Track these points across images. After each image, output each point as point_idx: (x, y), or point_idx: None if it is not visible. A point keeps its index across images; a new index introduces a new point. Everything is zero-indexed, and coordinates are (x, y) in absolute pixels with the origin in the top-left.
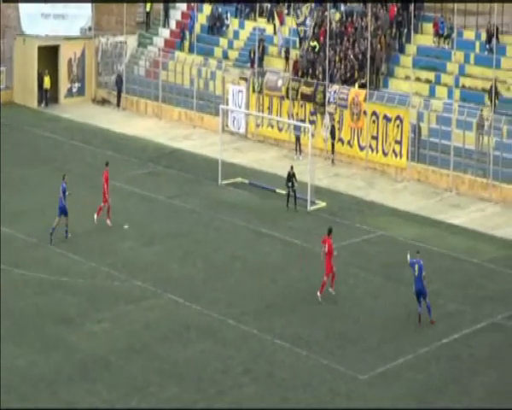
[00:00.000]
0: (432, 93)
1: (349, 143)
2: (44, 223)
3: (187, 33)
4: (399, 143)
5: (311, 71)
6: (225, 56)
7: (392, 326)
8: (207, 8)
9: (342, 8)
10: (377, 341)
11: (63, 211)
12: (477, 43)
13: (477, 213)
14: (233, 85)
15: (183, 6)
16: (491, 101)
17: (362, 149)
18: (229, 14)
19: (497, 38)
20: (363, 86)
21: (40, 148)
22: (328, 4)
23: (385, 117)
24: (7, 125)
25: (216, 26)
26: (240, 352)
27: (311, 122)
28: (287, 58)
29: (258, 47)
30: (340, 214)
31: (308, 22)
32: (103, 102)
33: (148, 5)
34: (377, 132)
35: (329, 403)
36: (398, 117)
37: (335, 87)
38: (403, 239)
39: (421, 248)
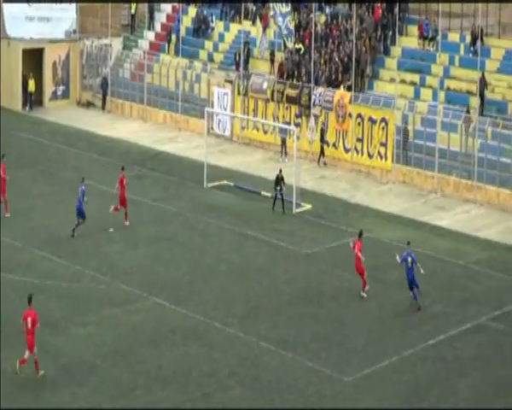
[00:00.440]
0: (417, 95)
1: (334, 145)
2: (29, 226)
3: (173, 36)
4: (384, 145)
5: (296, 73)
6: (210, 59)
7: (377, 328)
8: (192, 11)
9: (327, 10)
10: (363, 343)
11: (80, 213)
12: (462, 46)
13: (462, 214)
14: (218, 88)
15: (168, 8)
16: (482, 102)
17: (347, 151)
18: (214, 17)
19: (482, 40)
20: (348, 88)
21: (25, 151)
22: (314, 6)
23: (370, 119)
24: None
25: (201, 29)
26: (225, 355)
27: (297, 125)
28: (272, 60)
29: (244, 49)
30: (326, 217)
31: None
32: (88, 104)
33: (133, 8)
34: (362, 134)
35: (315, 405)
36: (383, 119)
37: (321, 89)
38: (388, 241)
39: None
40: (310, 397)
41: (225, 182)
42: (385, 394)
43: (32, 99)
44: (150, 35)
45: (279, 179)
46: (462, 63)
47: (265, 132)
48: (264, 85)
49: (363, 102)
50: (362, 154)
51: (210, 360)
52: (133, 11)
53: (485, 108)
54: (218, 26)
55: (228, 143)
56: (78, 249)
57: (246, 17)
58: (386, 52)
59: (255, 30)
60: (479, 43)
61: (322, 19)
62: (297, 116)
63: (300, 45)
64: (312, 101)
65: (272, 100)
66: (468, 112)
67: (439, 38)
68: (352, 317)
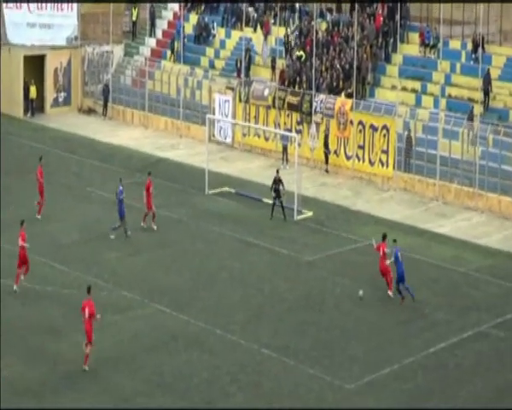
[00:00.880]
0: (418, 103)
1: (335, 152)
2: (29, 233)
3: (176, 42)
4: (386, 152)
5: (297, 80)
6: (212, 66)
7: (378, 336)
8: (194, 18)
9: (328, 17)
10: (364, 350)
11: (120, 214)
12: (463, 53)
13: (463, 222)
14: (219, 95)
15: (170, 15)
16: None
17: (348, 158)
18: (215, 24)
19: (483, 47)
20: (349, 96)
21: (26, 158)
22: (315, 14)
23: (371, 126)
24: None
25: (202, 36)
26: (227, 362)
27: (298, 132)
28: (273, 67)
29: (245, 56)
30: (327, 224)
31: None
32: (89, 111)
33: (135, 14)
34: (364, 142)
35: None
36: (384, 126)
37: (322, 97)
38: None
39: (407, 257)
40: (311, 404)
41: (226, 189)
42: (386, 401)
43: (34, 106)
44: (151, 42)
45: (277, 181)
46: (463, 71)
47: (267, 139)
48: (266, 92)
49: (364, 109)
50: (363, 161)
51: (211, 366)
52: (134, 18)
53: (489, 107)
54: (219, 33)
55: (229, 149)
56: (79, 256)
57: (247, 24)
58: (388, 59)
59: (256, 37)
60: (480, 50)
61: (324, 26)
62: (298, 123)
63: (302, 52)
64: (314, 108)
65: (273, 107)
66: (471, 112)
67: (440, 45)
68: (353, 324)
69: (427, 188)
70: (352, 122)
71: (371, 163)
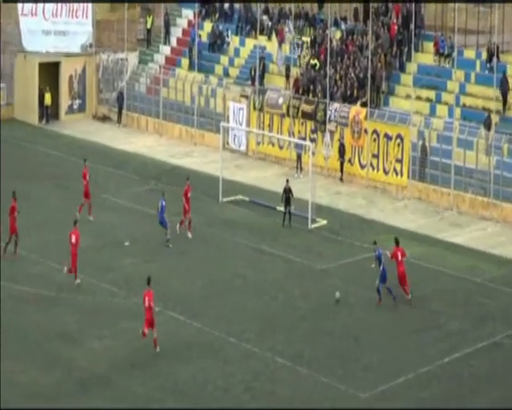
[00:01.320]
0: (432, 112)
1: (350, 161)
2: (44, 239)
3: (192, 50)
4: (400, 161)
5: (311, 89)
6: (226, 74)
7: (393, 345)
8: (208, 26)
9: (343, 26)
10: (378, 359)
11: (163, 224)
12: (478, 62)
13: (478, 231)
14: (234, 103)
15: (184, 23)
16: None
17: (363, 167)
18: (229, 32)
19: (498, 56)
20: (364, 105)
21: (41, 164)
22: (329, 22)
23: (385, 135)
24: (8, 141)
25: (217, 44)
26: (241, 370)
27: (312, 140)
28: (287, 76)
29: (259, 65)
30: (341, 232)
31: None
32: (104, 118)
33: (149, 22)
34: (378, 151)
35: None
36: (398, 135)
37: (336, 105)
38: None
39: (421, 267)
40: None
41: (240, 197)
42: None
43: (49, 112)
44: (166, 49)
45: (287, 191)
46: (477, 80)
47: (281, 148)
48: (280, 101)
49: (378, 118)
50: (377, 170)
51: (225, 374)
52: (149, 26)
53: (506, 111)
54: (233, 41)
55: (243, 158)
56: (93, 262)
57: (261, 32)
58: (402, 68)
59: (271, 45)
60: (495, 59)
61: (338, 35)
62: (312, 132)
63: (316, 61)
64: (328, 116)
65: (288, 115)
66: (489, 120)
67: (454, 54)
68: (367, 333)
69: (441, 197)
70: (366, 131)
71: (385, 172)
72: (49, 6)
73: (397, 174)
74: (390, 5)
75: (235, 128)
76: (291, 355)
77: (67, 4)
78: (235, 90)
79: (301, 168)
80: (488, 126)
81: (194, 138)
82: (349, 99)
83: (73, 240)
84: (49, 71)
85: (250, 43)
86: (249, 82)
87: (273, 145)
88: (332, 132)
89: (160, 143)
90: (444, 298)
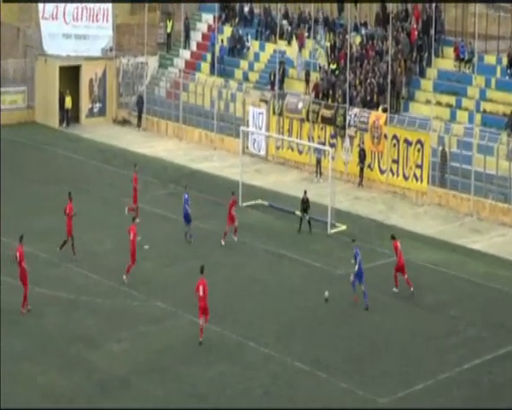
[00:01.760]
0: (453, 117)
1: (369, 166)
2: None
3: (213, 54)
4: (420, 167)
5: (331, 94)
6: (246, 78)
7: (412, 350)
8: (228, 30)
9: (363, 31)
10: (397, 365)
11: (186, 218)
12: (498, 68)
13: (498, 238)
14: (253, 107)
15: (204, 28)
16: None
17: (382, 172)
18: (249, 37)
19: None
20: (385, 110)
21: (61, 167)
22: (349, 27)
23: (405, 141)
24: (28, 144)
25: (236, 48)
26: (259, 374)
27: (332, 145)
28: (307, 81)
29: (279, 69)
30: (361, 238)
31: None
32: (124, 122)
33: (169, 26)
34: (398, 156)
35: None
36: (418, 141)
37: (356, 110)
38: (423, 263)
39: (441, 272)
40: None
41: (260, 201)
42: None
43: (69, 116)
44: (186, 54)
45: (304, 202)
46: (498, 86)
47: (300, 152)
48: (300, 105)
49: (398, 123)
50: (397, 175)
51: (244, 378)
52: (169, 30)
53: None
54: (253, 45)
55: (263, 162)
56: (113, 266)
57: (281, 37)
58: (422, 74)
59: (290, 50)
60: None
61: (358, 40)
62: (332, 137)
63: (335, 66)
64: (347, 121)
65: (307, 120)
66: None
67: (475, 60)
68: (386, 339)
69: (461, 203)
70: (386, 136)
71: (405, 178)
72: (70, 10)
73: (417, 180)
74: (410, 10)
75: (255, 133)
76: (309, 360)
77: (88, 8)
78: (254, 94)
79: (321, 173)
80: (510, 130)
81: (213, 143)
82: (369, 104)
83: (131, 236)
84: (70, 74)
85: (270, 47)
86: (269, 87)
87: (292, 150)
88: (351, 137)
89: (180, 148)
90: (463, 304)
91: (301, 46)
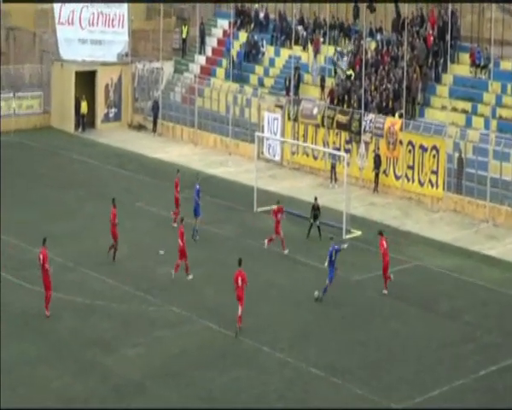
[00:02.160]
0: (468, 123)
1: (385, 172)
2: (80, 247)
3: (233, 59)
4: (436, 173)
5: (346, 99)
6: (261, 84)
7: (427, 357)
8: (243, 36)
9: (378, 37)
10: (412, 371)
11: (196, 212)
12: None
13: None
14: (268, 113)
15: (219, 33)
16: None
17: (398, 178)
18: (264, 42)
19: None
20: (401, 116)
21: (77, 172)
22: (364, 33)
23: (421, 147)
24: (44, 149)
25: (252, 54)
26: (274, 379)
27: (347, 151)
28: (322, 86)
29: (294, 75)
30: (376, 244)
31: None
32: (139, 127)
33: (185, 32)
34: (413, 162)
35: None
36: (434, 147)
37: (371, 116)
38: (438, 270)
39: (456, 279)
40: None
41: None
42: None
43: (85, 121)
44: (201, 59)
45: (315, 208)
46: None
47: (315, 158)
48: (315, 111)
49: (413, 129)
50: (412, 181)
51: (259, 383)
52: (184, 35)
53: None
54: (268, 51)
55: (278, 167)
56: (128, 271)
57: (296, 42)
58: (438, 79)
59: (306, 55)
60: None
61: (373, 45)
62: (347, 142)
63: (351, 71)
64: (363, 127)
65: (322, 126)
66: None
67: (491, 65)
68: (401, 345)
69: (477, 209)
70: (401, 142)
71: (421, 183)
72: (86, 15)
73: (432, 186)
74: (425, 16)
75: (270, 138)
76: (324, 366)
77: (104, 14)
78: (269, 100)
79: (336, 179)
80: None
81: (228, 148)
82: (384, 110)
83: (180, 237)
84: (86, 79)
85: (285, 53)
86: (284, 92)
87: (307, 155)
88: (367, 143)
89: (195, 153)
90: (478, 310)
91: (316, 52)
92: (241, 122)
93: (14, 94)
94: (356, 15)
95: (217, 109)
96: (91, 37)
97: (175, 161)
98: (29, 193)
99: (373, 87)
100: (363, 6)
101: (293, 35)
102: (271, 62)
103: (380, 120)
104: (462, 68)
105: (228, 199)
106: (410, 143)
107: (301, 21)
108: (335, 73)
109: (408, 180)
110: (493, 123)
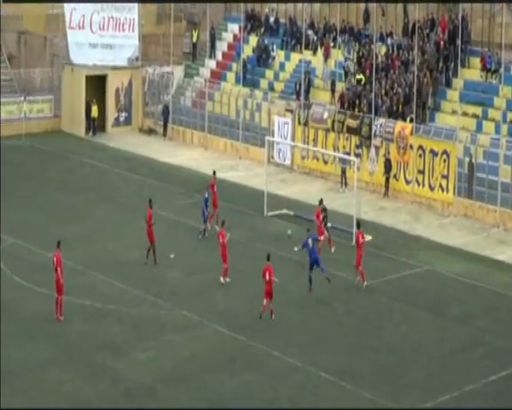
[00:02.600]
0: (479, 128)
1: (395, 176)
2: (91, 250)
3: (245, 64)
4: (446, 177)
5: (357, 104)
6: (271, 88)
7: (438, 362)
8: (253, 40)
9: (388, 41)
10: (423, 376)
11: (204, 217)
12: None
13: None
14: (279, 117)
15: (230, 37)
16: None
17: (408, 182)
18: (275, 46)
19: None
20: (412, 121)
21: (87, 176)
22: (375, 37)
23: (431, 151)
24: (55, 153)
25: (262, 58)
26: (285, 384)
27: (357, 155)
28: (333, 91)
29: (304, 79)
30: (386, 248)
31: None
32: (150, 131)
33: (195, 36)
34: (424, 166)
35: None
36: (444, 151)
37: (381, 120)
38: (449, 274)
39: (467, 284)
40: None
41: (285, 211)
42: None
43: (95, 125)
44: (211, 63)
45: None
46: None
47: (325, 162)
48: (325, 115)
49: (424, 133)
50: (423, 186)
51: (269, 388)
52: (195, 39)
53: None
54: (278, 55)
55: (288, 172)
56: (139, 274)
57: (307, 47)
58: (448, 84)
59: (316, 59)
60: None
61: (383, 50)
62: (357, 147)
63: (361, 76)
64: (373, 132)
65: (333, 130)
66: None
67: (501, 70)
68: (412, 350)
69: (487, 214)
70: (411, 147)
71: (431, 188)
72: (97, 19)
73: (443, 190)
74: (436, 20)
75: (280, 142)
76: (335, 370)
77: (114, 18)
78: (280, 104)
79: (346, 183)
80: None
81: (238, 152)
82: (394, 114)
83: (221, 239)
84: (96, 84)
85: (295, 57)
86: (294, 96)
87: (318, 160)
88: (377, 148)
89: (205, 157)
90: (489, 315)
91: (327, 56)
92: (252, 126)
93: (24, 98)
94: (366, 20)
95: (227, 114)
96: (102, 41)
97: (185, 165)
98: (39, 197)
99: (383, 91)
100: (373, 10)
101: (304, 39)
102: (282, 67)
103: (390, 125)
104: (472, 73)
105: (238, 203)
106: (420, 147)
107: (311, 26)
108: (346, 76)
109: (418, 185)
110: (504, 128)
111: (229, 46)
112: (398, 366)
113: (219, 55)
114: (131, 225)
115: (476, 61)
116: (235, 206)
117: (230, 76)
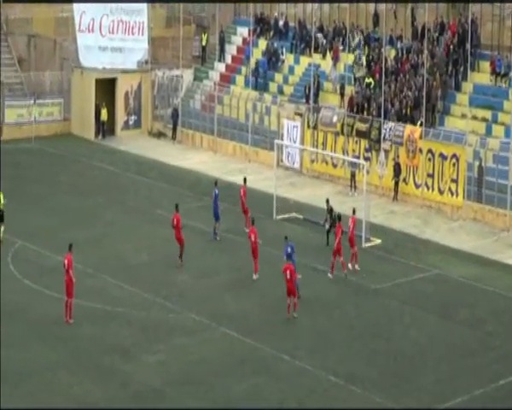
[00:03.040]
0: (488, 132)
1: (404, 180)
2: (100, 253)
3: (257, 67)
4: (455, 181)
5: (366, 107)
6: (280, 91)
7: (447, 366)
8: (263, 44)
9: (398, 44)
10: (432, 380)
11: (215, 215)
12: None
13: None
14: (288, 120)
15: (239, 41)
16: None
17: (417, 186)
18: (284, 50)
19: None
20: (422, 124)
21: (97, 179)
22: (384, 41)
23: (441, 155)
24: (64, 156)
25: (271, 61)
26: (293, 387)
27: (366, 159)
28: (342, 94)
29: (314, 82)
30: (395, 252)
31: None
32: (159, 135)
33: (204, 39)
34: (433, 170)
35: None
36: (454, 155)
37: (391, 124)
38: (458, 278)
39: (476, 288)
40: None
41: (294, 214)
42: None
43: (105, 128)
44: (221, 67)
45: (329, 211)
46: None
47: (335, 166)
48: (334, 119)
49: (433, 137)
50: (432, 189)
51: (278, 391)
52: (204, 43)
53: None
54: (288, 58)
55: (297, 175)
56: (148, 277)
57: (316, 50)
58: (458, 87)
59: (325, 63)
60: None
61: (393, 53)
62: (367, 150)
63: (371, 79)
64: (382, 135)
65: (342, 133)
66: None
67: (511, 74)
68: (421, 354)
69: (497, 218)
70: (421, 150)
71: (440, 192)
72: (106, 23)
73: (452, 194)
74: (445, 24)
75: (289, 146)
76: (344, 374)
77: (124, 21)
78: (289, 107)
79: (355, 187)
80: None
81: (248, 155)
82: (404, 118)
83: (252, 238)
84: (106, 87)
85: (304, 60)
86: (303, 100)
87: (327, 163)
88: (386, 151)
89: (215, 160)
90: (499, 320)
91: (336, 59)
92: (261, 130)
93: (34, 101)
94: (376, 23)
95: (236, 117)
96: (111, 44)
97: (194, 169)
98: (49, 200)
99: (392, 95)
100: (382, 14)
101: (313, 43)
102: (291, 70)
103: (399, 128)
104: (482, 76)
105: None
106: (429, 151)
107: (321, 29)
108: (355, 80)
109: (428, 188)
110: None
111: (239, 49)
112: (408, 370)
113: (228, 59)
114: (141, 228)
115: (486, 65)
116: None
117: (240, 79)
